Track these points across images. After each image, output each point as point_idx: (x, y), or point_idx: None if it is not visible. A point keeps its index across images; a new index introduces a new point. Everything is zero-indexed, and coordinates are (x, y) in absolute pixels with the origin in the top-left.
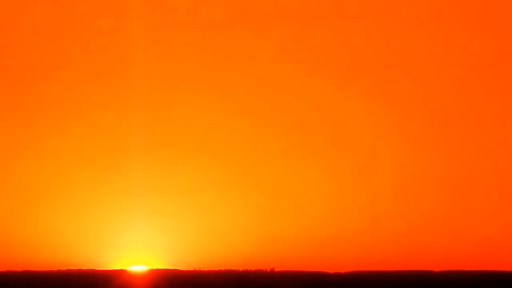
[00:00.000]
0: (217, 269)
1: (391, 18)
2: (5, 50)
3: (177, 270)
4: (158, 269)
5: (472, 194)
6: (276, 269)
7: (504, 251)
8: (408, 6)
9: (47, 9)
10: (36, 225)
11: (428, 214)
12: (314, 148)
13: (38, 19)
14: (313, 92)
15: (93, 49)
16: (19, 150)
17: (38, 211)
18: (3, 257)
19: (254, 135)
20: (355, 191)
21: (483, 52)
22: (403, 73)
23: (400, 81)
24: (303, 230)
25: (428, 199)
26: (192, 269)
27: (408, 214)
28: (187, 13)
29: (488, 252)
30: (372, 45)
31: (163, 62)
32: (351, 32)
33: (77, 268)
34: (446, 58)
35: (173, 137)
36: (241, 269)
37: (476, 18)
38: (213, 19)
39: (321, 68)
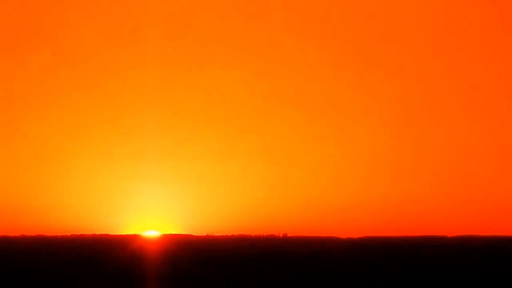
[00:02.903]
0: (229, 234)
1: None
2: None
3: (190, 235)
4: (171, 234)
5: (486, 163)
6: (289, 235)
7: None
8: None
9: None
10: (50, 190)
11: (442, 181)
12: (327, 119)
13: None
14: (319, 66)
15: (110, 19)
16: (35, 116)
17: (52, 177)
18: (17, 222)
19: (268, 107)
20: (369, 158)
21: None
22: (398, 46)
23: (396, 54)
24: (316, 196)
25: (442, 165)
26: (204, 234)
27: (422, 181)
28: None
29: (500, 218)
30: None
31: (176, 33)
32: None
33: (91, 233)
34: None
35: (188, 105)
36: (253, 234)
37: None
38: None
39: (326, 40)
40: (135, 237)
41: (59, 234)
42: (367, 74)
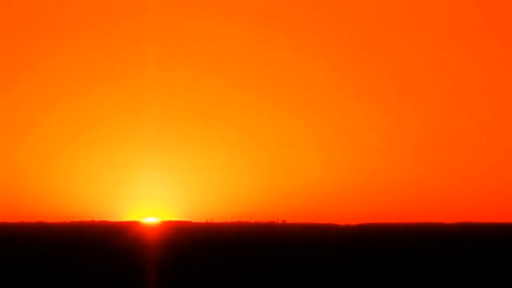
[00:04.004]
0: (228, 221)
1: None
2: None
3: (189, 222)
4: (170, 221)
5: (483, 151)
6: (288, 221)
7: None
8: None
9: None
10: (49, 177)
11: (440, 168)
12: (325, 105)
13: None
14: (306, 55)
15: (110, 14)
16: (35, 103)
17: (51, 164)
18: (17, 209)
19: (264, 96)
20: (368, 145)
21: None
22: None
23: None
24: (315, 183)
25: (440, 152)
26: (203, 221)
27: (420, 168)
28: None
29: (498, 205)
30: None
31: (174, 28)
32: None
33: (90, 219)
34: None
35: (185, 96)
36: (252, 221)
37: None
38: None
39: (312, 35)
40: (134, 223)
41: (58, 220)
42: (358, 59)
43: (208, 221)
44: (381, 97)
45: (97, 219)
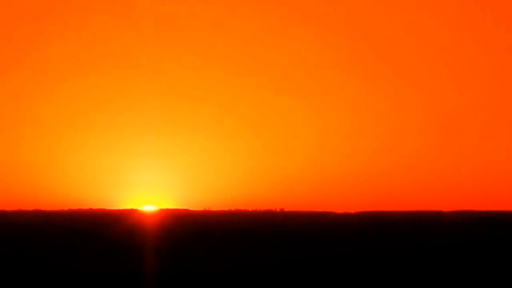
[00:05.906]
0: (227, 209)
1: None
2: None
3: (187, 210)
4: (168, 209)
5: (483, 140)
6: (286, 209)
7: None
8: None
9: None
10: (47, 165)
11: (438, 159)
12: (324, 95)
13: None
14: (301, 47)
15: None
16: (35, 94)
17: (49, 152)
18: (14, 197)
19: (261, 87)
20: (367, 135)
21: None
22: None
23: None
24: (313, 172)
25: (439, 141)
26: (201, 209)
27: (419, 158)
28: None
29: (497, 193)
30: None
31: (175, 22)
32: None
33: (88, 207)
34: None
35: (184, 86)
36: (250, 209)
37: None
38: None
39: (308, 22)
40: (132, 211)
41: (56, 208)
42: (356, 49)
43: (206, 209)
44: (378, 88)
45: (95, 207)
